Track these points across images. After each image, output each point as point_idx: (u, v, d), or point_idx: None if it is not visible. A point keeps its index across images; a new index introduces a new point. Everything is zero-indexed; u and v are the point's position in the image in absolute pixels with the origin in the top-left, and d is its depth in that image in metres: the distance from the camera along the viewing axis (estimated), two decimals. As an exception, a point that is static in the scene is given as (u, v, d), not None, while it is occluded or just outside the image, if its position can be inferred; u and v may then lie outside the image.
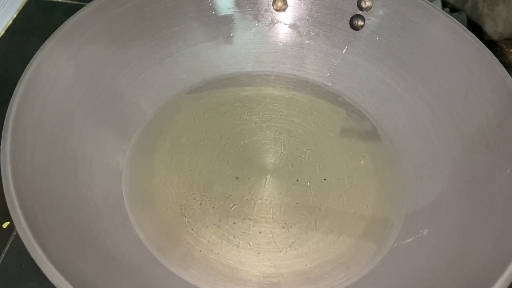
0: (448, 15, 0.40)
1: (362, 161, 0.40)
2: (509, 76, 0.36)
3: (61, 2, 0.54)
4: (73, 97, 0.36)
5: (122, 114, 0.40)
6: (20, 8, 0.53)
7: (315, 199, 0.38)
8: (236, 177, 0.39)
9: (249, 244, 0.35)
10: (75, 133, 0.36)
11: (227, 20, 0.44)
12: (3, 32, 0.51)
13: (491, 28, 0.52)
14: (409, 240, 0.35)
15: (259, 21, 0.45)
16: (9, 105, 0.32)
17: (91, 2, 0.38)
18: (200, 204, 0.37)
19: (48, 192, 0.32)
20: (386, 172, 0.40)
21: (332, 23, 0.44)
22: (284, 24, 0.45)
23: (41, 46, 0.35)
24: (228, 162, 0.39)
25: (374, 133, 0.42)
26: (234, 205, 0.37)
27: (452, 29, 0.39)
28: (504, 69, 0.36)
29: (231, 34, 0.45)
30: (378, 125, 0.42)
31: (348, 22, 0.43)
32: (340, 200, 0.38)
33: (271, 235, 0.36)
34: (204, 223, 0.36)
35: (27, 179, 0.30)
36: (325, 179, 0.39)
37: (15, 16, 0.53)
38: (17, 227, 0.28)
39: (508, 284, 0.28)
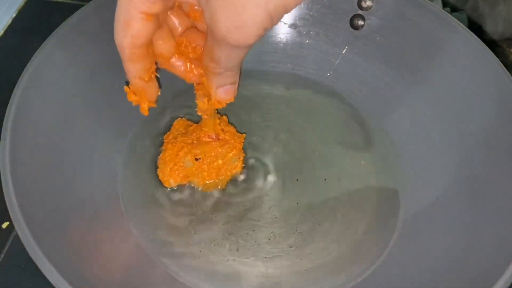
0: (449, 15, 0.40)
1: (362, 161, 0.40)
2: (510, 76, 0.36)
3: (61, 2, 0.54)
4: (72, 97, 0.36)
5: (122, 114, 0.40)
6: (19, 8, 0.53)
7: (316, 199, 0.38)
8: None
9: (250, 244, 0.35)
10: (75, 133, 0.36)
11: (227, 20, 0.44)
12: (2, 32, 0.51)
13: (492, 28, 0.52)
14: (409, 240, 0.35)
15: (259, 20, 0.45)
16: (9, 105, 0.32)
17: (91, 2, 0.38)
18: (200, 204, 0.37)
19: (47, 192, 0.32)
20: (386, 172, 0.40)
21: (332, 22, 0.44)
22: (284, 24, 0.45)
23: (41, 46, 0.35)
24: (228, 162, 0.39)
25: (374, 133, 0.42)
26: (234, 205, 0.37)
27: (452, 29, 0.39)
28: (505, 69, 0.36)
29: (231, 34, 0.45)
30: (379, 125, 0.42)
31: (348, 22, 0.43)
32: (340, 200, 0.38)
33: (271, 235, 0.36)
34: (204, 224, 0.36)
35: (26, 179, 0.30)
36: (325, 179, 0.39)
37: (14, 15, 0.52)
38: (16, 227, 0.28)
39: (509, 284, 0.28)
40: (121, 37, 0.27)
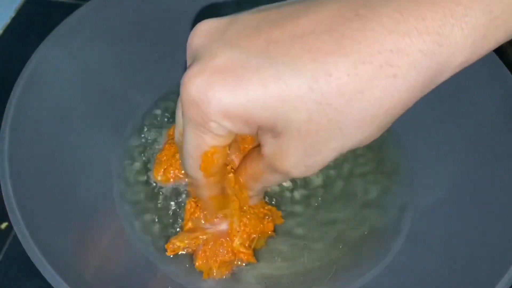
0: (449, 14, 0.39)
1: (362, 161, 0.40)
2: (511, 75, 0.36)
3: (60, 2, 0.54)
4: (71, 97, 0.36)
5: (121, 114, 0.40)
6: (18, 8, 0.53)
7: (315, 199, 0.38)
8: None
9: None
10: (74, 133, 0.36)
11: (227, 20, 0.44)
12: (1, 31, 0.51)
13: (492, 27, 0.52)
14: (410, 242, 0.35)
15: (259, 20, 0.45)
16: (7, 105, 0.32)
17: (90, 2, 0.38)
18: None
19: (46, 193, 0.32)
20: (387, 173, 0.39)
21: (332, 22, 0.44)
22: (284, 24, 0.45)
23: (40, 46, 0.35)
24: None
25: (374, 133, 0.42)
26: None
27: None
28: (506, 68, 0.36)
29: (231, 34, 0.45)
30: (379, 125, 0.42)
31: (349, 22, 0.43)
32: (340, 201, 0.38)
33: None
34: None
35: (25, 180, 0.30)
36: (324, 178, 0.39)
37: (13, 15, 0.52)
38: (15, 228, 0.28)
39: (510, 284, 0.28)
40: (195, 171, 0.27)
